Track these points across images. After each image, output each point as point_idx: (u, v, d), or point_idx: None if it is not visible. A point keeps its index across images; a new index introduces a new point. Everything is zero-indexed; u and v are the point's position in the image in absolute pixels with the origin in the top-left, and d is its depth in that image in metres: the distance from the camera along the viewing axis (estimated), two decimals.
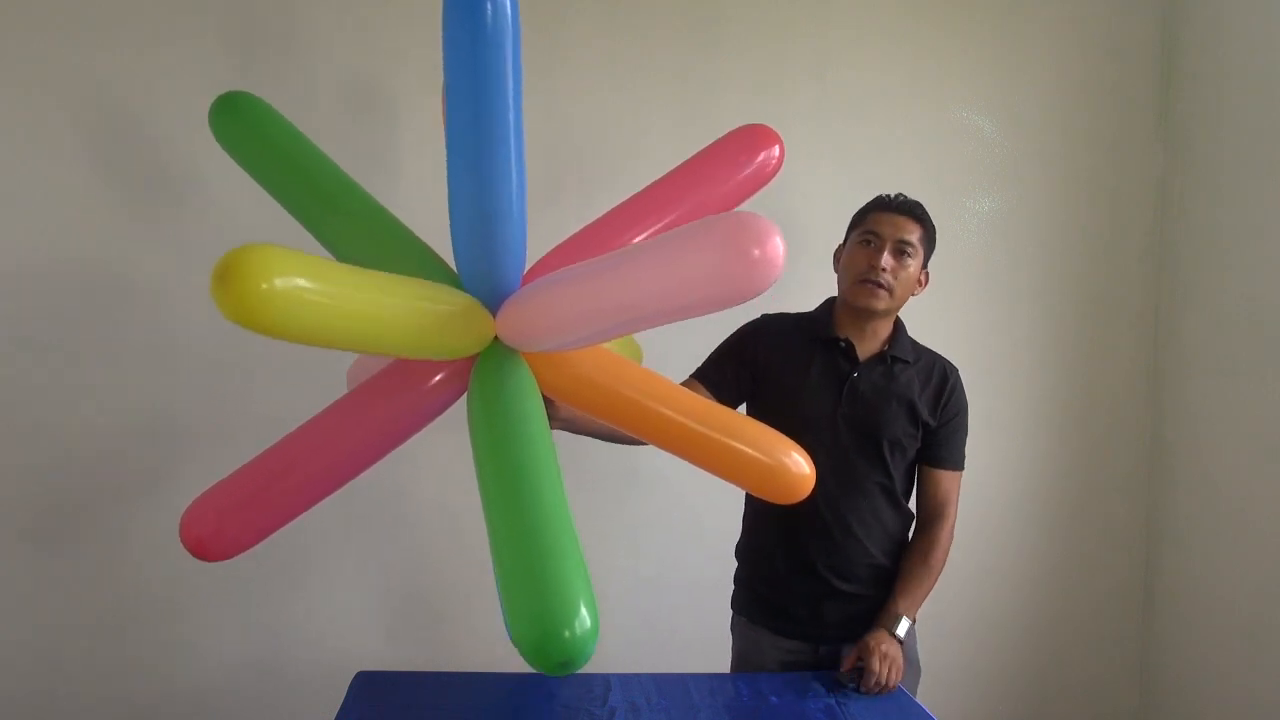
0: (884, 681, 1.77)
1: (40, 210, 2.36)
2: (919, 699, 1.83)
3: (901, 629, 1.84)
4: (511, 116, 1.39)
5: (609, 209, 1.82)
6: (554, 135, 2.43)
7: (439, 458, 2.45)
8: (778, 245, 1.20)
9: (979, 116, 2.66)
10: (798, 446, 1.61)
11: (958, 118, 2.65)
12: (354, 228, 1.67)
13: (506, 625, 1.23)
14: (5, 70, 2.32)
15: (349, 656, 2.39)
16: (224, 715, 2.52)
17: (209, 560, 1.54)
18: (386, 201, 1.77)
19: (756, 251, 1.19)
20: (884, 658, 1.79)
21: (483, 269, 1.55)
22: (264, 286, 1.14)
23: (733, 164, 1.81)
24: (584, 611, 1.19)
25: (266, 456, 1.57)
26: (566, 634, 1.17)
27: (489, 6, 1.29)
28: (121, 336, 2.41)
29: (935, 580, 1.92)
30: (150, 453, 2.44)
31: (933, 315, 2.42)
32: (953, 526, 1.94)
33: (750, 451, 1.58)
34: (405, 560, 2.57)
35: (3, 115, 2.33)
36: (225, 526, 1.52)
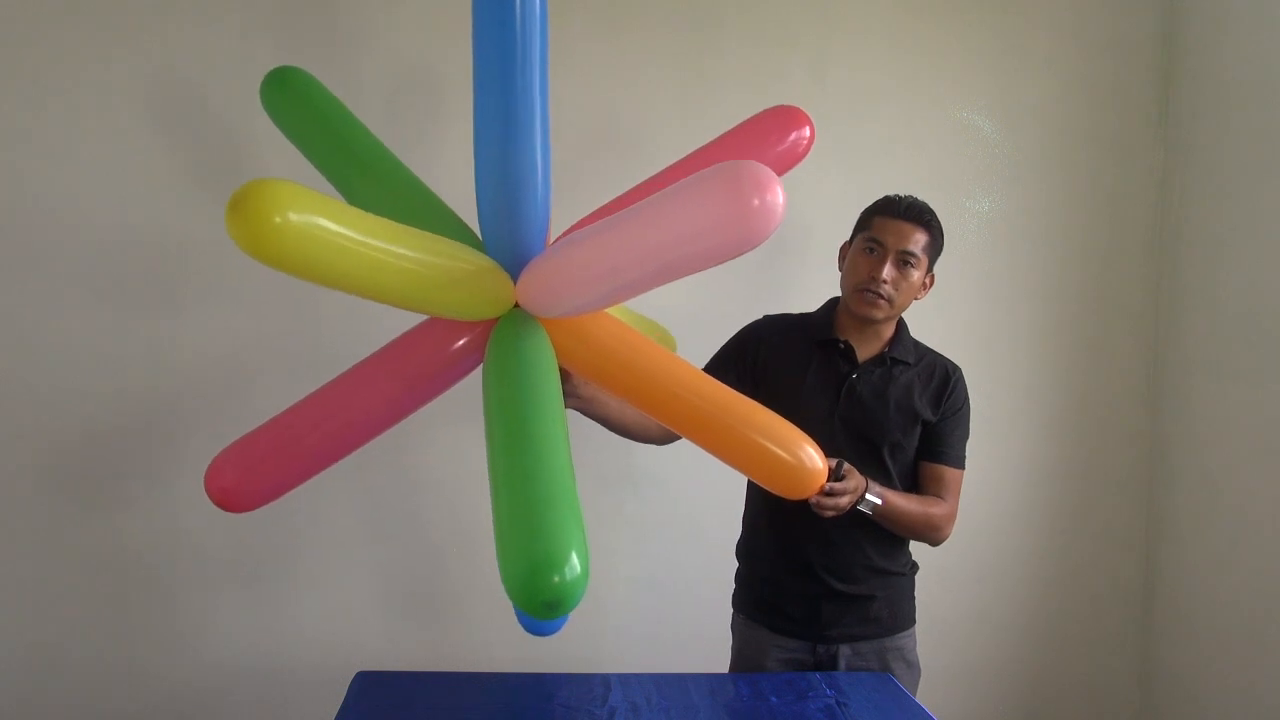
0: (829, 504, 1.71)
1: (56, 211, 2.37)
2: (919, 699, 1.83)
3: (870, 500, 1.77)
4: (537, 85, 1.40)
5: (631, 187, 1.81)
6: (551, 134, 2.43)
7: (441, 458, 2.46)
8: (778, 193, 1.21)
9: (979, 116, 2.66)
10: (811, 441, 1.58)
11: (958, 118, 2.65)
12: (391, 198, 1.68)
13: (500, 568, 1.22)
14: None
15: (349, 656, 2.40)
16: (224, 715, 2.52)
17: (232, 511, 1.56)
18: (428, 178, 1.77)
19: (756, 200, 1.20)
20: (850, 492, 1.72)
21: (505, 234, 1.55)
22: (277, 219, 1.14)
23: (763, 143, 1.80)
24: (575, 557, 1.18)
25: (291, 412, 1.59)
26: (556, 578, 1.16)
27: None
28: (124, 333, 2.41)
29: (920, 524, 1.87)
30: (150, 452, 2.45)
31: (933, 315, 2.42)
32: (954, 515, 1.92)
33: (765, 442, 1.55)
34: (406, 560, 2.57)
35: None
36: (250, 479, 1.55)
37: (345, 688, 1.79)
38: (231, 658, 2.51)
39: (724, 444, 1.58)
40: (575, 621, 2.64)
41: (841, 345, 1.90)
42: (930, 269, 1.88)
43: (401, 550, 2.56)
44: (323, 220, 1.21)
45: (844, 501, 1.71)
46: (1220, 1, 2.54)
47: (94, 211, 2.37)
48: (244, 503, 1.56)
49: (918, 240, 1.83)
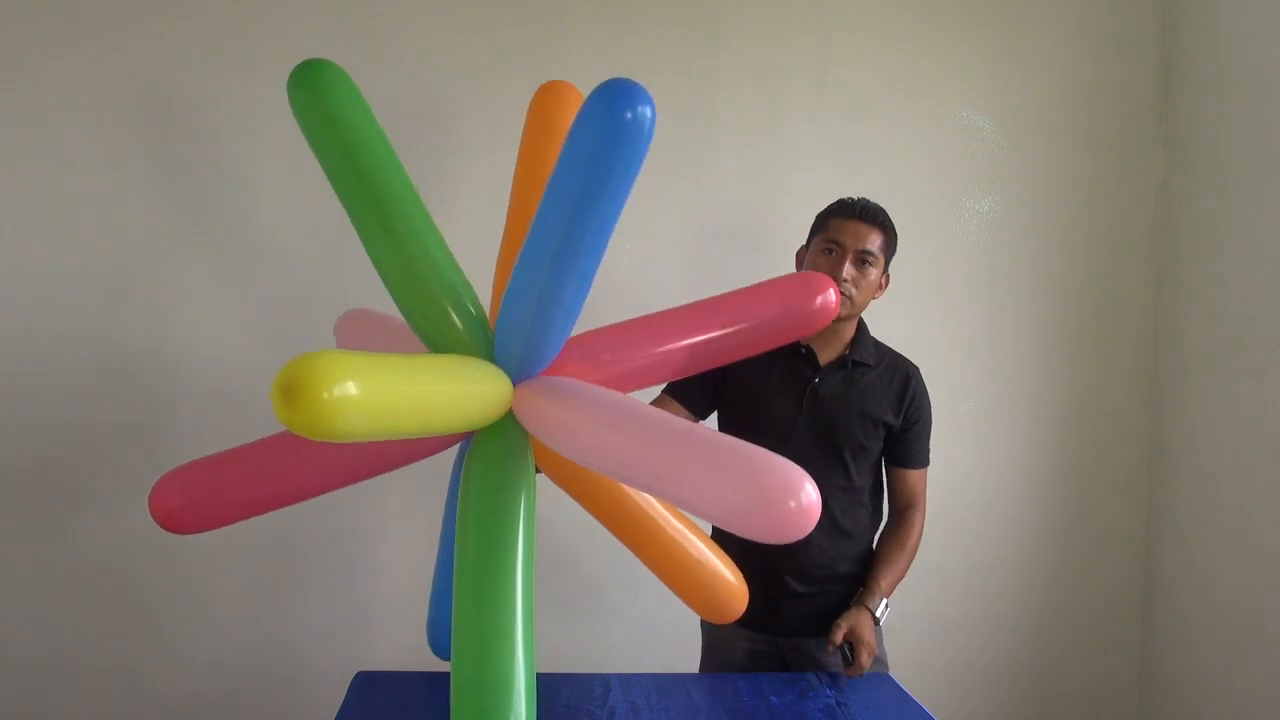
0: (864, 670, 1.83)
1: (54, 210, 2.37)
2: (918, 699, 1.83)
3: (881, 609, 1.87)
4: (609, 226, 1.36)
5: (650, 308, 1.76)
6: None
7: (442, 456, 2.45)
8: (812, 495, 1.16)
9: (979, 116, 2.66)
10: (738, 582, 1.71)
11: (958, 118, 2.65)
12: (399, 256, 1.60)
13: None
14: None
15: (349, 656, 2.40)
16: (224, 715, 2.52)
17: (178, 533, 1.59)
18: (438, 213, 1.73)
19: (793, 503, 1.15)
20: (869, 648, 1.82)
21: (519, 352, 1.52)
22: (325, 396, 1.11)
23: (783, 307, 1.74)
24: None
25: (244, 453, 1.60)
26: None
27: (628, 114, 1.22)
28: (125, 335, 2.41)
29: (909, 564, 1.96)
30: (150, 450, 2.44)
31: (932, 315, 2.43)
32: (924, 516, 1.99)
33: (702, 573, 1.68)
34: (406, 560, 2.57)
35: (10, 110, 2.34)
36: (193, 508, 1.58)
37: (345, 688, 1.79)
38: (231, 658, 2.51)
39: (668, 569, 1.69)
40: (575, 621, 2.65)
41: (803, 350, 1.93)
42: (886, 269, 1.92)
43: (402, 550, 2.56)
44: (368, 385, 1.17)
45: (874, 648, 1.83)
46: (1220, 1, 2.54)
47: (85, 212, 2.38)
48: (190, 527, 1.59)
49: (874, 240, 1.87)
